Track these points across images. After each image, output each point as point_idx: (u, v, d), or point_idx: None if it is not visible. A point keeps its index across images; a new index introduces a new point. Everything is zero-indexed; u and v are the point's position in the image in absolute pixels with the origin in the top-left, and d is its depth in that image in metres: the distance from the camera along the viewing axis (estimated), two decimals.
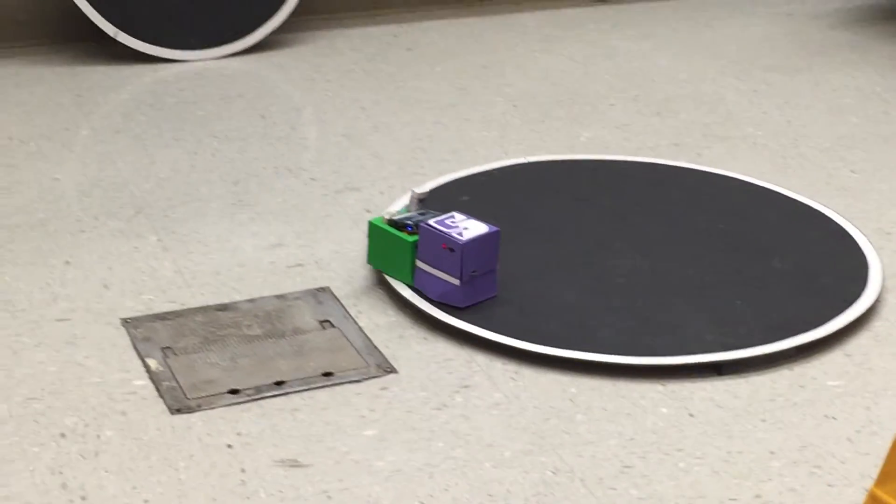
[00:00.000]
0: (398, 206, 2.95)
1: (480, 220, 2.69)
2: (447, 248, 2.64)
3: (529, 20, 4.39)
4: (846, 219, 3.10)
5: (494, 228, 2.68)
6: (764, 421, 2.42)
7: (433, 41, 4.19)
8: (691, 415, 2.44)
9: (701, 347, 2.58)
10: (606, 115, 3.69)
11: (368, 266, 2.86)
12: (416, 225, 2.70)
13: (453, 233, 2.64)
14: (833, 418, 2.44)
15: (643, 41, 4.24)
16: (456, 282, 2.64)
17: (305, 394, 2.46)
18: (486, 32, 4.28)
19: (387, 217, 2.75)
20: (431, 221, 2.68)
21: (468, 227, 2.66)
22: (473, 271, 2.65)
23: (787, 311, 2.72)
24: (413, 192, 2.77)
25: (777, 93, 3.87)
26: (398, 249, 2.73)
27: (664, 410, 2.45)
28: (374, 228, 2.77)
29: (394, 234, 2.73)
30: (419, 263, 2.69)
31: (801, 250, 2.96)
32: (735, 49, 4.19)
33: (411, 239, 2.70)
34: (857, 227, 3.06)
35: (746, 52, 4.18)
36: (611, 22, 4.40)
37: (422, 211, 2.76)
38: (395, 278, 2.75)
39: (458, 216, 2.70)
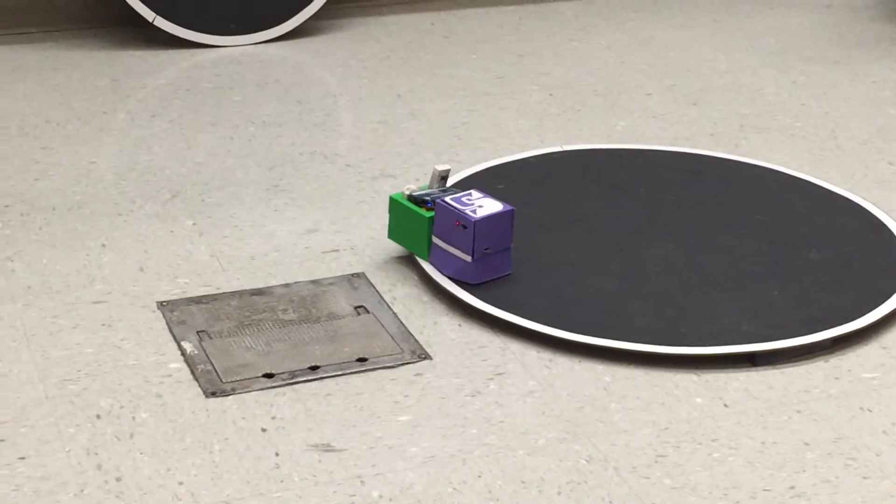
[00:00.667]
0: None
1: (496, 199, 2.72)
2: (460, 225, 2.67)
3: (567, 9, 4.38)
4: (883, 211, 3.08)
5: (509, 207, 2.71)
6: (799, 412, 2.41)
7: (470, 29, 4.19)
8: (726, 405, 2.43)
9: (736, 338, 2.58)
10: (643, 105, 3.67)
11: (403, 252, 2.86)
12: (435, 201, 2.73)
13: (467, 210, 2.68)
14: (868, 410, 2.43)
15: (681, 31, 4.23)
16: (468, 258, 2.67)
17: (340, 379, 2.47)
18: (524, 21, 4.27)
19: (407, 192, 2.78)
20: (447, 198, 2.72)
21: (483, 206, 2.70)
22: (486, 248, 2.67)
23: (823, 303, 2.70)
24: (435, 168, 2.80)
25: (816, 84, 3.85)
26: (415, 224, 2.77)
27: (698, 400, 2.44)
28: (393, 203, 2.81)
29: (411, 209, 2.77)
30: (435, 239, 2.73)
31: (838, 242, 2.95)
32: (774, 40, 4.17)
33: (428, 215, 2.74)
34: (894, 220, 3.04)
35: (786, 43, 4.16)
36: (649, 11, 4.38)
37: (443, 188, 2.79)
38: (413, 252, 2.79)
39: (476, 194, 2.74)
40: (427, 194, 2.77)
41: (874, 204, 3.12)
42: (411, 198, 2.78)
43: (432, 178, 2.81)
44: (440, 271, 2.73)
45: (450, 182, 3.11)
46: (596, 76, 3.86)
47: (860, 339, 2.63)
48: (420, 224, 2.76)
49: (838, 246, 2.93)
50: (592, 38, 4.14)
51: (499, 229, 2.70)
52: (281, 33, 4.03)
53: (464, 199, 2.72)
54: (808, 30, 4.27)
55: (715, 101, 3.72)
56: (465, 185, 3.08)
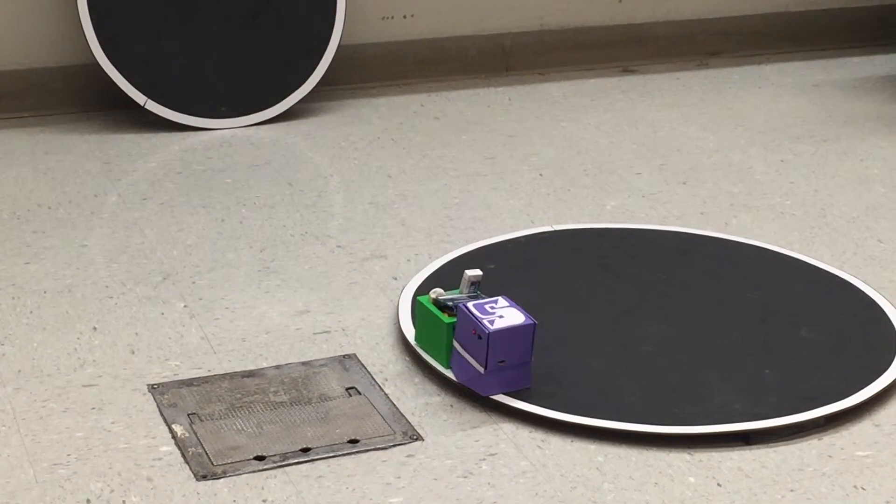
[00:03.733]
0: (428, 274, 2.95)
1: (522, 311, 2.61)
2: (476, 334, 2.58)
3: (556, 90, 4.41)
4: (874, 288, 3.09)
5: (530, 321, 2.60)
6: (793, 491, 2.41)
7: (460, 110, 4.21)
8: (719, 484, 2.42)
9: (729, 417, 2.57)
10: (633, 184, 3.69)
11: (394, 333, 2.86)
12: (457, 306, 2.65)
13: (485, 320, 2.57)
14: (862, 489, 2.42)
15: (670, 111, 4.26)
16: (481, 369, 2.58)
17: (331, 461, 2.46)
18: (513, 102, 4.30)
19: (433, 296, 2.71)
20: (470, 304, 2.62)
21: (504, 316, 2.59)
22: (501, 361, 2.58)
23: (815, 381, 2.70)
24: (465, 273, 2.70)
25: (804, 163, 3.87)
26: (436, 329, 2.69)
27: (692, 480, 2.43)
28: (420, 306, 2.74)
29: (433, 314, 2.69)
30: (455, 345, 2.65)
31: (829, 320, 2.95)
32: (763, 119, 4.20)
33: (449, 320, 2.66)
34: (885, 297, 3.05)
35: (774, 122, 4.18)
36: (638, 92, 4.41)
37: (472, 293, 2.70)
38: (434, 359, 2.71)
39: (502, 302, 2.63)
40: (452, 299, 2.68)
41: (864, 281, 3.13)
42: (436, 302, 2.70)
43: (463, 282, 2.71)
44: (455, 377, 2.65)
45: (440, 263, 3.13)
46: (585, 156, 3.88)
47: (853, 416, 2.62)
48: (440, 329, 2.68)
49: (829, 324, 2.93)
50: (582, 119, 4.17)
51: (517, 342, 2.59)
52: (272, 116, 4.05)
53: (487, 306, 2.62)
54: (796, 109, 4.30)
55: (704, 180, 3.73)
56: (456, 264, 3.08)
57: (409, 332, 2.81)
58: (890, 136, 4.08)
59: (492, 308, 2.61)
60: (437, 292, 2.71)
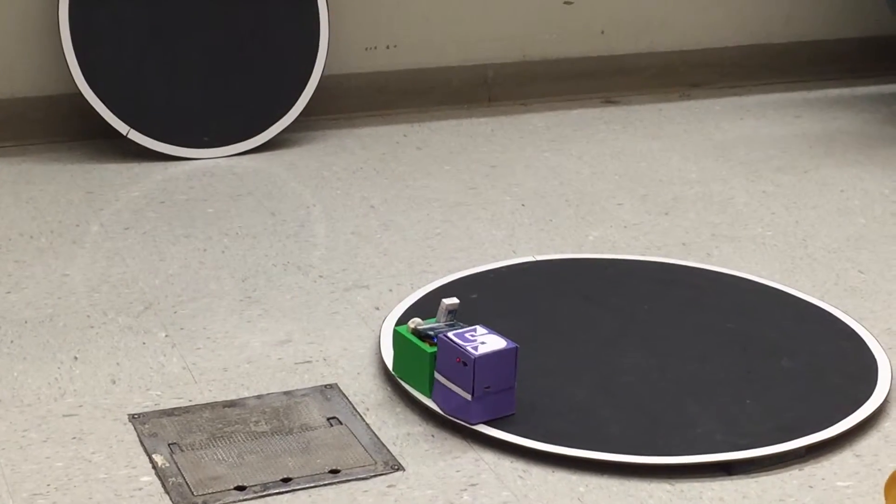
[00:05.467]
0: (407, 305, 2.96)
1: (502, 336, 2.62)
2: (461, 362, 2.58)
3: (538, 120, 4.42)
4: (854, 319, 3.10)
5: (512, 345, 2.60)
6: None
7: (443, 140, 4.22)
8: None
9: (710, 447, 2.57)
10: (615, 215, 3.70)
11: (376, 363, 2.86)
12: (437, 336, 2.65)
13: (469, 346, 2.58)
14: None
15: (652, 142, 4.27)
16: (468, 397, 2.58)
17: (312, 491, 2.45)
18: (496, 132, 4.31)
19: (412, 326, 2.70)
20: (450, 333, 2.62)
21: (486, 342, 2.60)
22: (487, 387, 2.58)
23: (796, 411, 2.71)
24: (442, 302, 2.71)
25: (785, 194, 3.88)
26: (418, 359, 2.68)
27: None
28: (398, 336, 2.73)
29: (414, 344, 2.68)
30: (437, 375, 2.64)
31: (810, 350, 2.95)
32: (744, 150, 4.22)
33: (430, 350, 2.65)
34: (866, 328, 3.06)
35: (755, 153, 4.20)
36: (620, 123, 4.42)
37: (450, 322, 2.69)
38: (415, 389, 2.70)
39: (480, 330, 2.63)
40: (432, 328, 2.68)
41: (845, 312, 3.14)
42: (415, 332, 2.69)
43: (440, 311, 2.71)
44: (441, 409, 2.65)
45: (422, 293, 3.13)
46: (568, 187, 3.89)
47: (834, 447, 2.63)
48: (422, 360, 2.67)
49: (810, 354, 2.94)
50: (564, 149, 4.18)
51: (501, 367, 2.59)
52: (254, 146, 4.05)
53: (467, 334, 2.62)
54: (777, 140, 4.32)
55: (686, 210, 3.74)
56: (439, 294, 3.09)
57: (391, 362, 2.81)
58: (870, 168, 4.10)
59: (472, 336, 2.62)
60: (415, 322, 2.70)
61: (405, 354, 2.73)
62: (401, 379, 2.74)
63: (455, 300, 2.71)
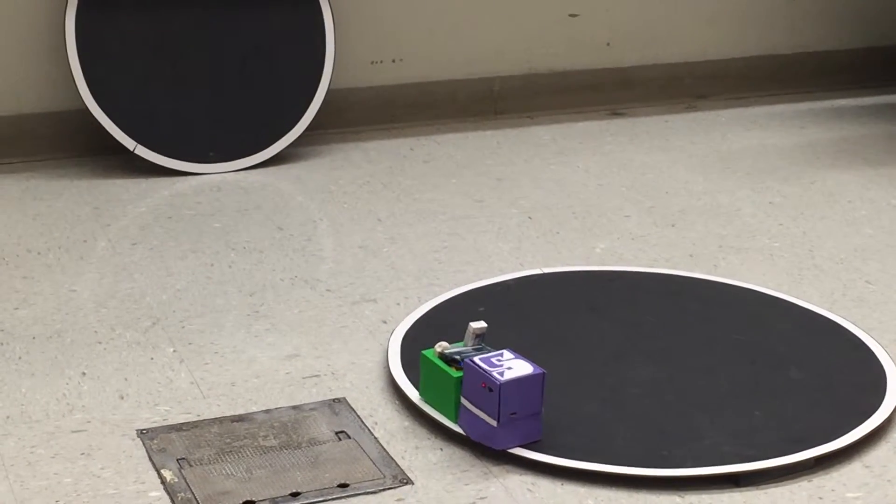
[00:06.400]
0: (418, 315, 2.95)
1: (528, 361, 2.59)
2: (486, 387, 2.54)
3: (544, 133, 4.42)
4: (863, 329, 3.09)
5: (539, 370, 2.57)
6: None
7: (449, 153, 4.23)
8: None
9: (718, 459, 2.57)
10: (621, 227, 3.70)
11: (384, 377, 2.86)
12: (464, 360, 2.61)
13: (494, 372, 2.54)
14: None
15: (659, 153, 4.27)
16: (494, 423, 2.55)
17: None
18: (502, 145, 4.31)
19: (439, 350, 2.67)
20: (476, 358, 2.59)
21: (512, 367, 2.56)
22: (513, 413, 2.55)
23: (804, 423, 2.70)
24: (470, 325, 2.67)
25: (792, 205, 3.88)
26: (444, 384, 2.65)
27: None
28: (425, 361, 2.70)
29: (441, 368, 2.65)
30: (463, 401, 2.61)
31: (818, 361, 2.95)
32: (751, 162, 4.22)
33: (456, 374, 2.62)
34: (874, 338, 3.05)
35: (762, 164, 4.20)
36: (626, 135, 4.43)
37: (477, 346, 2.66)
38: (442, 413, 2.67)
39: (507, 354, 2.60)
40: (458, 352, 2.65)
41: (853, 323, 3.13)
42: (442, 356, 2.66)
43: (467, 335, 2.67)
44: (468, 435, 2.61)
45: (429, 306, 3.13)
46: (574, 199, 3.89)
47: (843, 458, 2.62)
48: (448, 384, 2.64)
49: (818, 365, 2.93)
50: (570, 162, 4.18)
51: (527, 393, 2.56)
52: (261, 160, 4.06)
53: (494, 359, 2.58)
54: (783, 151, 4.32)
55: (693, 222, 3.74)
56: (446, 307, 3.09)
57: (399, 376, 2.81)
58: (876, 178, 4.09)
59: (498, 360, 2.58)
60: (442, 346, 2.67)
61: (431, 379, 2.69)
62: (427, 404, 2.71)
63: (483, 324, 2.67)
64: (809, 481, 2.55)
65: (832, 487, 2.54)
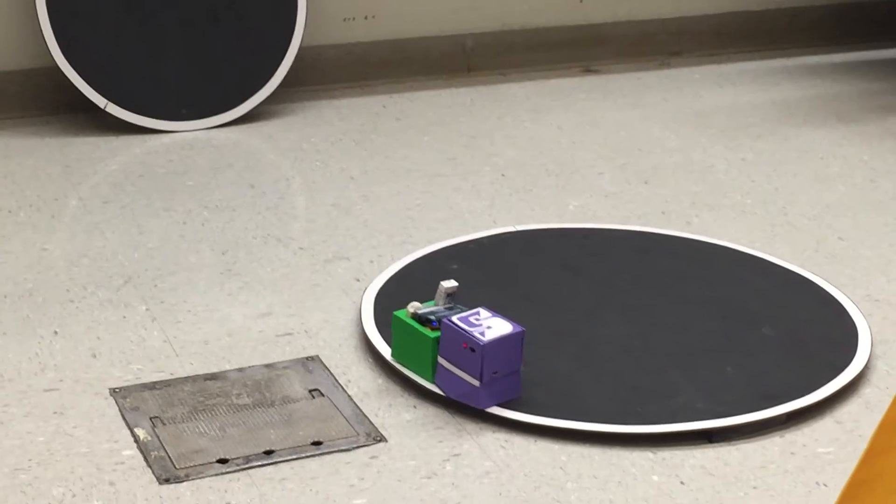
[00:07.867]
0: (389, 274, 2.95)
1: (506, 319, 2.58)
2: (468, 348, 2.54)
3: (517, 90, 4.41)
4: (835, 286, 3.11)
5: (518, 328, 2.57)
6: (755, 488, 2.42)
7: (421, 111, 4.21)
8: (682, 482, 2.43)
9: (691, 415, 2.58)
10: (595, 184, 3.70)
11: (357, 335, 2.86)
12: (440, 320, 2.61)
13: (475, 332, 2.53)
14: (824, 485, 2.43)
15: (632, 111, 4.27)
16: (476, 383, 2.55)
17: (295, 463, 2.45)
18: (475, 102, 4.30)
19: (411, 310, 2.66)
20: (454, 318, 2.57)
21: (491, 326, 2.56)
22: (494, 372, 2.54)
23: (776, 379, 2.71)
24: (441, 285, 2.66)
25: (765, 161, 3.89)
26: (420, 345, 2.64)
27: (655, 478, 2.44)
28: (397, 321, 2.69)
29: (416, 329, 2.64)
30: (441, 360, 2.60)
31: (791, 317, 2.96)
32: (724, 118, 4.22)
33: (433, 335, 2.61)
34: (846, 294, 3.06)
35: (735, 121, 4.20)
36: (599, 92, 4.42)
37: (449, 305, 2.66)
38: (417, 374, 2.66)
39: (484, 313, 2.59)
40: (432, 312, 2.64)
41: (825, 279, 3.14)
42: (415, 316, 2.64)
43: (438, 294, 2.67)
44: (446, 394, 2.61)
45: (402, 263, 3.13)
46: (548, 156, 3.88)
47: (814, 413, 2.64)
48: (425, 345, 2.63)
49: (791, 321, 2.94)
50: (544, 119, 4.18)
51: (508, 351, 2.56)
52: (233, 118, 4.04)
53: (472, 318, 2.57)
54: (756, 108, 4.32)
55: (666, 179, 3.74)
56: (420, 265, 3.09)
57: (373, 334, 2.81)
58: (849, 135, 4.10)
59: (476, 320, 2.57)
60: (414, 306, 2.66)
61: (405, 340, 2.68)
62: (400, 364, 2.70)
63: (454, 283, 2.67)
64: (781, 437, 2.57)
65: (804, 443, 2.55)
